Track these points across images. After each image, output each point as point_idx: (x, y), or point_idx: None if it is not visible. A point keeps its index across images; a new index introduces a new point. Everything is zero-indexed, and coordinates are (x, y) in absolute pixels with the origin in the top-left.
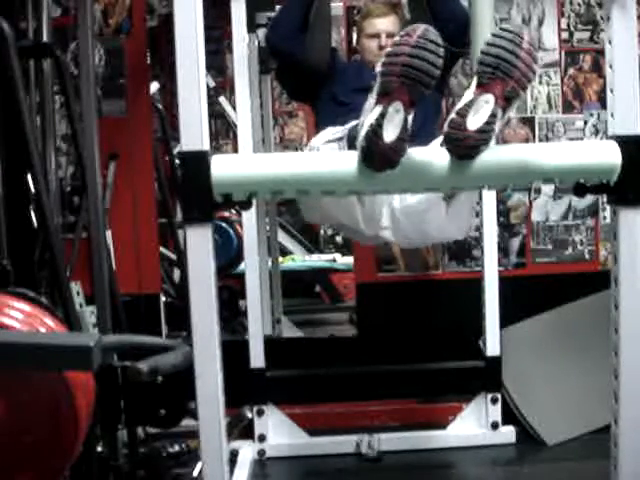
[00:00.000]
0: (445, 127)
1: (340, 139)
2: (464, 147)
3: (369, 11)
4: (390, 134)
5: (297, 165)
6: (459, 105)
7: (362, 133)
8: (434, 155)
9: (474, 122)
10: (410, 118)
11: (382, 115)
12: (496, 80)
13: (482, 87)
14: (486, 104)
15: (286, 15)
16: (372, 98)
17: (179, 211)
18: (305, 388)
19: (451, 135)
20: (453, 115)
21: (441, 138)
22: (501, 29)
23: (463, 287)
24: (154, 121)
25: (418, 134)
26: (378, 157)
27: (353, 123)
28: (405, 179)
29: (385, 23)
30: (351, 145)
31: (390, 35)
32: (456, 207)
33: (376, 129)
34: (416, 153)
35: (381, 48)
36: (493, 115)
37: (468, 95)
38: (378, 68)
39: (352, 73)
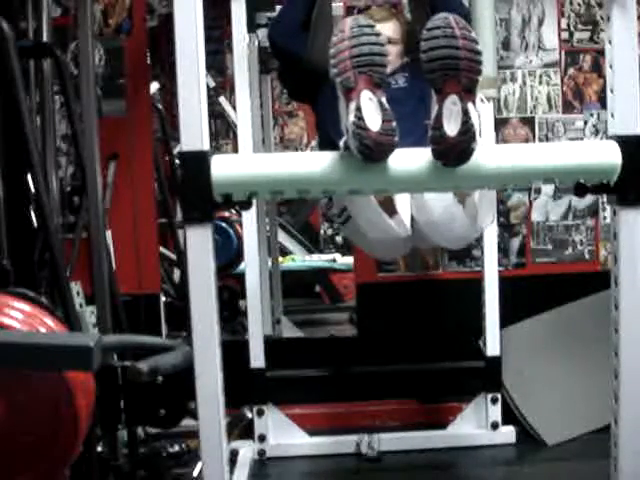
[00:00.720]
0: (430, 146)
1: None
2: (455, 154)
3: (370, 16)
4: (374, 121)
5: (297, 165)
6: (432, 121)
7: (350, 134)
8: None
9: (452, 128)
10: (384, 99)
11: (358, 109)
12: (448, 80)
13: (441, 93)
14: (454, 105)
15: (288, 13)
16: (340, 101)
17: (179, 211)
18: (305, 388)
19: (438, 150)
20: (430, 132)
21: None
22: (427, 30)
23: (463, 287)
24: (154, 121)
25: (417, 134)
26: (374, 147)
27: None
28: (405, 179)
29: (385, 28)
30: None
31: (390, 41)
32: (471, 207)
33: (359, 123)
34: (416, 154)
35: None
36: (465, 112)
37: (434, 107)
38: (331, 73)
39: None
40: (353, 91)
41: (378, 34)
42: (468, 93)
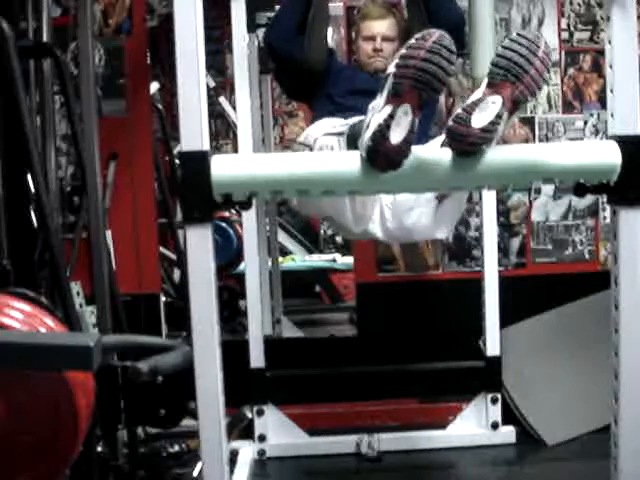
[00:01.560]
0: (449, 122)
1: (340, 134)
2: (466, 143)
3: (366, 13)
4: (397, 135)
5: (297, 165)
6: (467, 102)
7: (369, 132)
8: (434, 156)
9: (479, 120)
10: (417, 122)
11: (391, 116)
12: (506, 83)
13: (492, 88)
14: (493, 104)
15: (284, 16)
16: (381, 98)
17: (179, 211)
18: (305, 388)
19: (454, 130)
20: (459, 110)
21: (439, 138)
22: (519, 34)
23: (463, 287)
24: (154, 121)
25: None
26: (383, 157)
27: (355, 120)
28: (405, 180)
29: (381, 26)
30: (351, 143)
31: (386, 38)
32: (446, 207)
33: (384, 129)
34: (416, 154)
35: (376, 50)
36: (499, 116)
37: (477, 94)
38: (391, 69)
39: (347, 75)
40: (397, 97)
41: (452, 62)
42: (512, 104)
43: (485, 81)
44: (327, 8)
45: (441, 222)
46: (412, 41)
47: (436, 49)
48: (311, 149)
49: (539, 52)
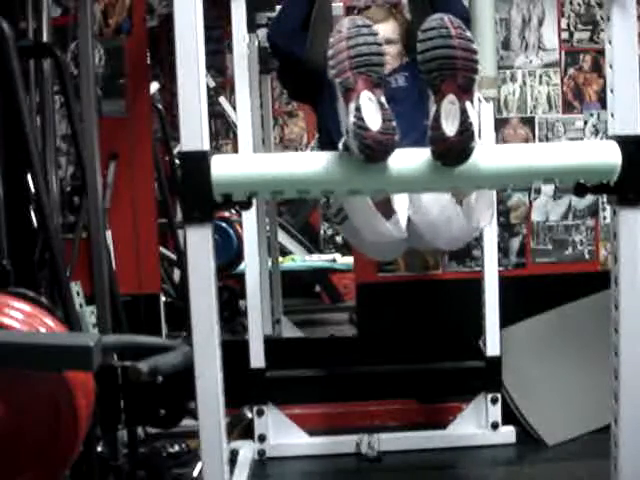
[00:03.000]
0: (429, 146)
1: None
2: (455, 154)
3: (367, 17)
4: (374, 121)
5: (297, 165)
6: (430, 121)
7: (350, 134)
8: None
9: (451, 127)
10: (383, 99)
11: (357, 109)
12: (445, 80)
13: (438, 93)
14: (452, 105)
15: (288, 13)
16: (339, 102)
17: (179, 211)
18: (305, 388)
19: (438, 151)
20: (430, 132)
21: None
22: (422, 31)
23: (463, 287)
24: (154, 121)
25: (417, 134)
26: (374, 146)
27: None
28: (405, 179)
29: (383, 29)
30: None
31: (388, 41)
32: (468, 207)
33: (359, 123)
34: (416, 154)
35: None
36: (464, 111)
37: (431, 107)
38: (330, 74)
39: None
40: (352, 91)
41: (375, 34)
42: (466, 92)
43: (430, 92)
44: (330, 7)
45: (472, 219)
46: (331, 40)
47: (354, 32)
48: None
49: (451, 31)
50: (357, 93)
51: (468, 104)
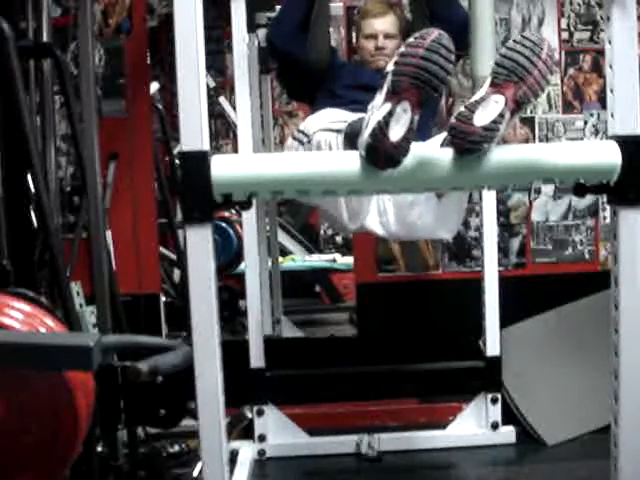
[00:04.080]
0: (452, 119)
1: (338, 131)
2: (468, 141)
3: (367, 11)
4: (396, 133)
5: (297, 165)
6: (470, 100)
7: (368, 130)
8: (434, 155)
9: (482, 118)
10: (416, 119)
11: (390, 113)
12: (510, 83)
13: (495, 87)
14: (496, 104)
15: (287, 14)
16: (380, 95)
17: (179, 211)
18: (305, 388)
19: (457, 127)
20: (462, 108)
21: (438, 137)
22: (523, 36)
23: (463, 287)
24: (154, 121)
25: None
26: (382, 155)
27: (354, 117)
28: (405, 179)
29: (383, 23)
30: (348, 141)
31: (387, 36)
32: (446, 207)
33: (383, 127)
34: (416, 153)
35: (377, 48)
36: (501, 115)
37: (480, 92)
38: (390, 67)
39: (349, 71)
40: (397, 96)
41: (451, 61)
42: (515, 104)
43: (489, 80)
44: (329, 8)
45: (444, 221)
46: (411, 39)
47: (435, 47)
48: (309, 140)
49: (542, 54)
50: (399, 100)
51: (507, 114)
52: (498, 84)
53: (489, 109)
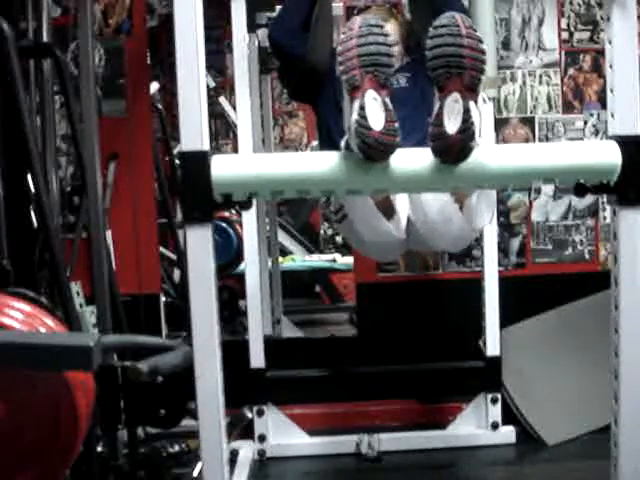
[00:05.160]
0: (429, 143)
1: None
2: (454, 152)
3: (367, 16)
4: (377, 121)
5: (297, 165)
6: (432, 117)
7: (352, 132)
8: (434, 156)
9: (453, 125)
10: (388, 100)
11: (362, 107)
12: (452, 77)
13: (443, 90)
14: (455, 103)
15: (288, 13)
16: (345, 100)
17: (179, 211)
18: (305, 388)
19: (437, 147)
20: (430, 128)
21: None
22: (434, 27)
23: (463, 287)
24: (154, 121)
25: (418, 134)
26: (375, 146)
27: (345, 137)
28: (405, 179)
29: None
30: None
31: None
32: (469, 208)
33: (362, 122)
34: (417, 154)
35: None
36: (467, 110)
37: (435, 104)
38: (338, 70)
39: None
40: (358, 90)
41: (386, 34)
42: (470, 92)
43: (435, 89)
44: (330, 7)
45: (471, 221)
46: (341, 36)
47: (365, 30)
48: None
49: (462, 30)
50: (363, 92)
51: (472, 104)
52: (444, 85)
53: (454, 112)
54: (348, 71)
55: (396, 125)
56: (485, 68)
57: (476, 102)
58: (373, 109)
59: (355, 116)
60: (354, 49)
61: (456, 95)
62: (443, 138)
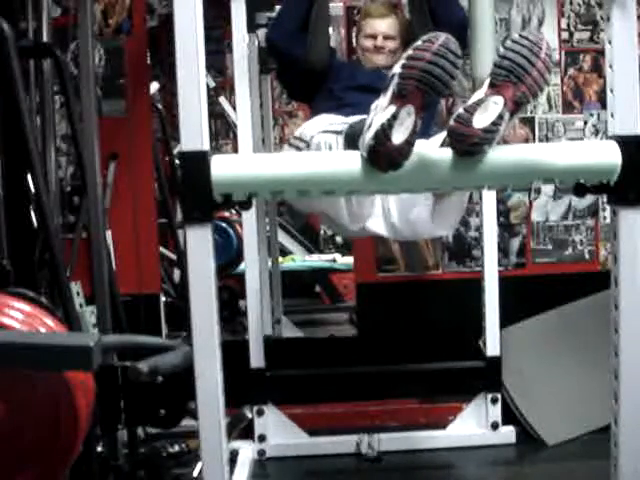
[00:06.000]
0: (451, 121)
1: (338, 132)
2: (467, 144)
3: (368, 12)
4: (399, 136)
5: (297, 165)
6: (469, 102)
7: (371, 131)
8: (434, 156)
9: (481, 120)
10: (419, 123)
11: (394, 116)
12: (508, 83)
13: (494, 88)
14: (495, 105)
15: (287, 14)
16: (385, 97)
17: (179, 211)
18: (305, 388)
19: (456, 130)
20: (461, 110)
21: (438, 137)
22: (521, 36)
23: (463, 287)
24: (154, 121)
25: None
26: (384, 157)
27: (355, 119)
28: (405, 180)
29: (383, 25)
30: (349, 142)
31: (387, 37)
32: (444, 205)
33: (386, 129)
34: (416, 153)
35: (377, 48)
36: (500, 117)
37: (479, 94)
38: (397, 69)
39: (349, 71)
40: (401, 98)
41: (457, 67)
42: (514, 105)
43: (487, 81)
44: (329, 8)
45: (441, 219)
46: (419, 43)
47: (442, 52)
48: (308, 145)
49: (541, 53)
50: (404, 103)
51: (507, 115)
52: (497, 85)
53: (488, 111)
54: (405, 77)
55: (411, 149)
56: (539, 95)
57: (512, 116)
58: (402, 124)
59: (383, 119)
60: (423, 62)
61: (500, 99)
62: (466, 126)
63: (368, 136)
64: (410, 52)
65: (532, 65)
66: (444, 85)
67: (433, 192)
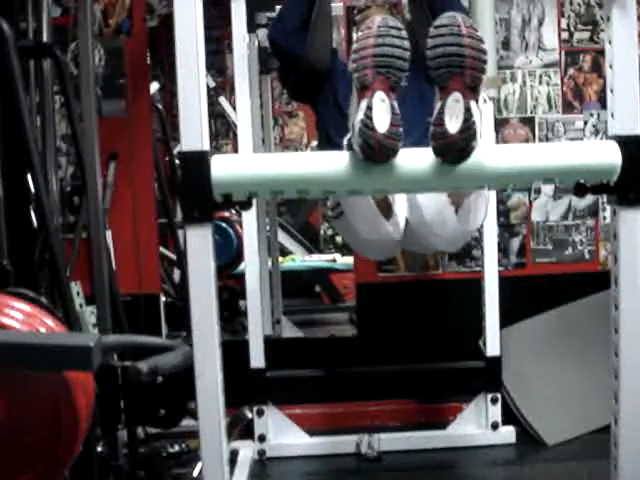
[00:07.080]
0: (430, 141)
1: None
2: (455, 152)
3: (368, 14)
4: (382, 123)
5: (297, 165)
6: (433, 117)
7: (356, 131)
8: (434, 156)
9: (454, 125)
10: (396, 104)
11: (369, 108)
12: (453, 77)
13: (444, 89)
14: (457, 103)
15: (288, 13)
16: (354, 97)
17: (179, 211)
18: (305, 388)
19: (438, 147)
20: (431, 128)
21: None
22: (434, 27)
23: (463, 287)
24: (154, 121)
25: (416, 134)
26: (377, 148)
27: (348, 135)
28: (405, 179)
29: None
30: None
31: None
32: (466, 209)
33: (367, 122)
34: (416, 153)
35: None
36: (467, 110)
37: (436, 103)
38: (350, 66)
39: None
40: (368, 89)
41: (404, 38)
42: (471, 91)
43: (436, 88)
44: (330, 7)
45: (465, 224)
46: (359, 33)
47: (383, 31)
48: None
49: (462, 30)
50: (372, 92)
51: (473, 103)
52: (445, 85)
53: (454, 112)
54: (360, 69)
55: (400, 129)
56: (486, 67)
57: (477, 102)
58: (380, 111)
59: (361, 115)
60: (370, 48)
61: (457, 95)
62: (444, 137)
63: (355, 137)
64: (354, 46)
65: (462, 46)
66: (399, 59)
67: (450, 201)
